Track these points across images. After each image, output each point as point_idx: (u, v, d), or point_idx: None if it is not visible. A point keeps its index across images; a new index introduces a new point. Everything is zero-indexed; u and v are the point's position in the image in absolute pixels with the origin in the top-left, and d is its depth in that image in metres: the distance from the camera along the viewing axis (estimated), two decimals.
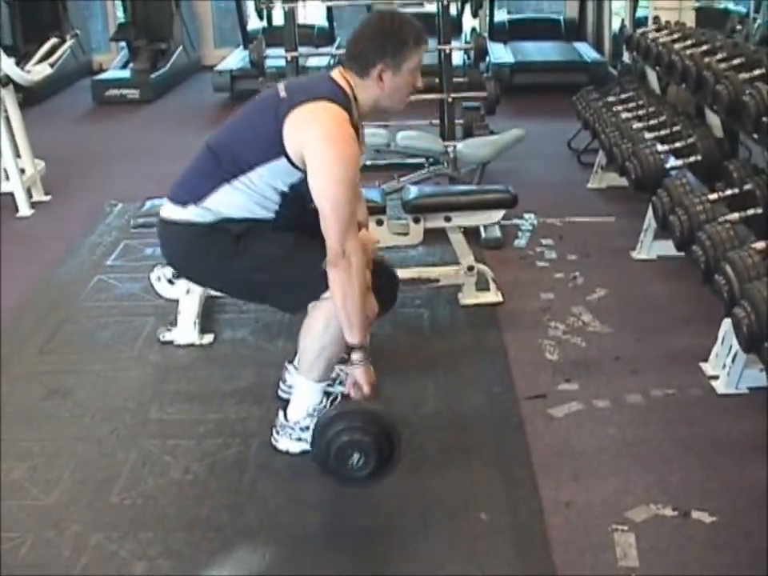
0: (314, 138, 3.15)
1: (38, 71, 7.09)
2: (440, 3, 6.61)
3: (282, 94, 3.25)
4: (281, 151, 3.18)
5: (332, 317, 3.24)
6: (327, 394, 3.58)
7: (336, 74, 3.31)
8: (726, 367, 3.93)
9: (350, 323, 3.19)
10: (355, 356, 3.25)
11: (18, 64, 6.92)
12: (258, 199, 3.30)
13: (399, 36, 3.24)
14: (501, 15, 11.82)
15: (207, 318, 4.63)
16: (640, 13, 9.12)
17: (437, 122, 6.75)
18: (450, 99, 6.59)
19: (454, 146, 6.11)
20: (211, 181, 3.32)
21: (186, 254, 3.48)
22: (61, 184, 7.06)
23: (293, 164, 3.19)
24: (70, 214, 6.51)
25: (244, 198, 3.30)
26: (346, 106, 3.22)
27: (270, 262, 3.35)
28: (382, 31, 3.27)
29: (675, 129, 5.34)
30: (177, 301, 4.52)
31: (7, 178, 6.60)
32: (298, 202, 3.30)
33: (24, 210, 6.53)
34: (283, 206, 3.34)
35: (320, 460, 3.15)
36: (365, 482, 3.19)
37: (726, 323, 3.86)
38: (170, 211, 3.42)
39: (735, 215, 4.15)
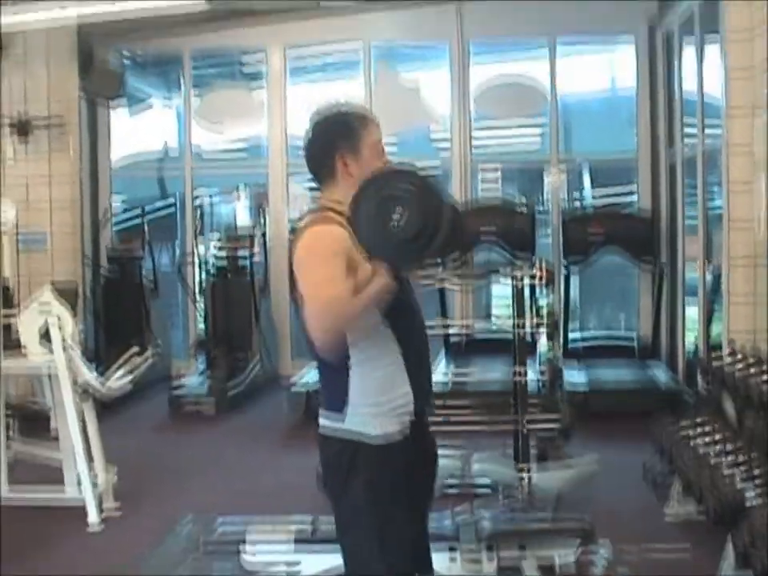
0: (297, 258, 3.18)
1: (117, 386, 7.23)
2: (516, 331, 6.70)
3: None
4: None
5: None
6: None
7: (315, 208, 3.30)
8: None
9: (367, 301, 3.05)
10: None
11: (97, 369, 7.11)
12: None
13: (341, 125, 3.26)
14: (574, 334, 11.98)
15: None
16: (715, 330, 9.18)
17: (510, 442, 6.73)
18: (524, 429, 6.57)
19: (529, 475, 6.04)
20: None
21: None
22: (131, 493, 7.05)
23: None
24: (140, 524, 6.48)
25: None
26: (330, 218, 3.17)
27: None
28: (324, 132, 3.27)
29: (753, 457, 5.26)
30: None
31: (79, 484, 6.64)
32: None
33: (93, 518, 6.51)
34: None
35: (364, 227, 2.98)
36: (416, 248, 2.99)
37: None
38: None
39: None
